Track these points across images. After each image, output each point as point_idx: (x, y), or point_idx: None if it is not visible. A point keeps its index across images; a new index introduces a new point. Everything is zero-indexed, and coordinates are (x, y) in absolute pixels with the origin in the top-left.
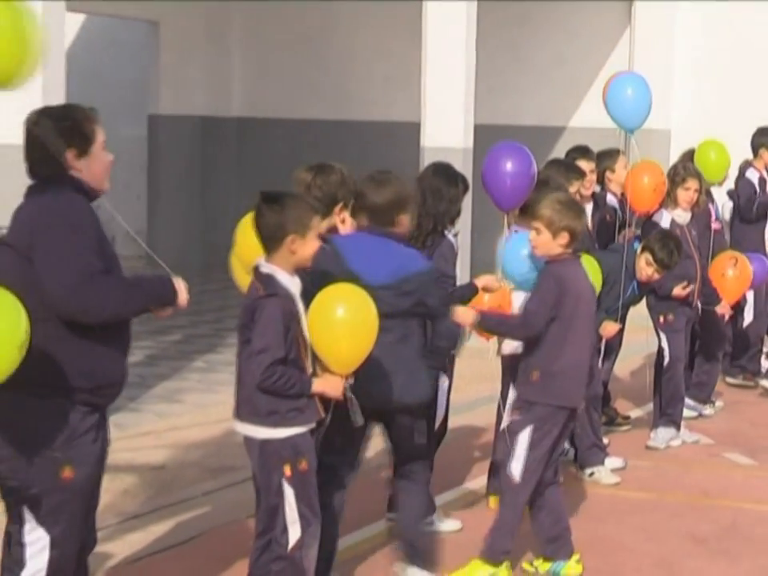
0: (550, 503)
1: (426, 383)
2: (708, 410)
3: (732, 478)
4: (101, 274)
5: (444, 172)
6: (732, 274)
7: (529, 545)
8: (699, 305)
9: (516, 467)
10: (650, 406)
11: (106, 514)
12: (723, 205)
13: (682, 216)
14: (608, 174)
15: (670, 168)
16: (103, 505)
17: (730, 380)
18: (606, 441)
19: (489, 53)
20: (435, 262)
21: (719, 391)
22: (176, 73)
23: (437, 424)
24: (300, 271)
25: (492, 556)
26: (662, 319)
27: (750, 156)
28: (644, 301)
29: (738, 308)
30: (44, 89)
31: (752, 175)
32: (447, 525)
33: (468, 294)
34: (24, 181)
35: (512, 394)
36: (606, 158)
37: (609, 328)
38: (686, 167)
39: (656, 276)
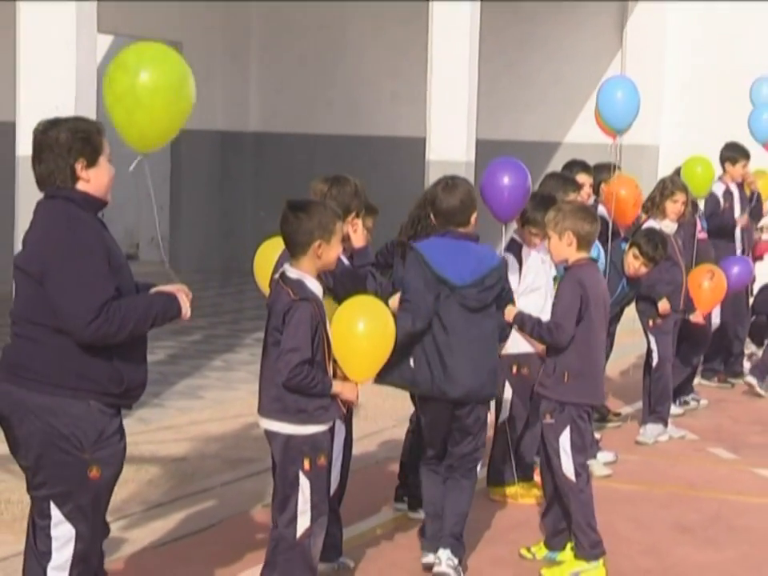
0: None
1: (499, 378)
2: (676, 409)
3: (716, 471)
4: (113, 300)
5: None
6: (707, 285)
7: (529, 535)
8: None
9: (568, 469)
10: (640, 404)
11: (131, 502)
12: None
13: (670, 226)
14: (603, 186)
15: (658, 181)
16: (128, 494)
17: (704, 383)
18: (598, 436)
19: (491, 72)
20: None
21: (702, 390)
22: (197, 90)
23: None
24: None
25: (584, 553)
26: (651, 323)
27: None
28: (633, 305)
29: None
30: (77, 100)
31: (717, 189)
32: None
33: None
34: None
35: (508, 391)
36: (602, 171)
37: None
38: (674, 181)
39: (643, 269)
